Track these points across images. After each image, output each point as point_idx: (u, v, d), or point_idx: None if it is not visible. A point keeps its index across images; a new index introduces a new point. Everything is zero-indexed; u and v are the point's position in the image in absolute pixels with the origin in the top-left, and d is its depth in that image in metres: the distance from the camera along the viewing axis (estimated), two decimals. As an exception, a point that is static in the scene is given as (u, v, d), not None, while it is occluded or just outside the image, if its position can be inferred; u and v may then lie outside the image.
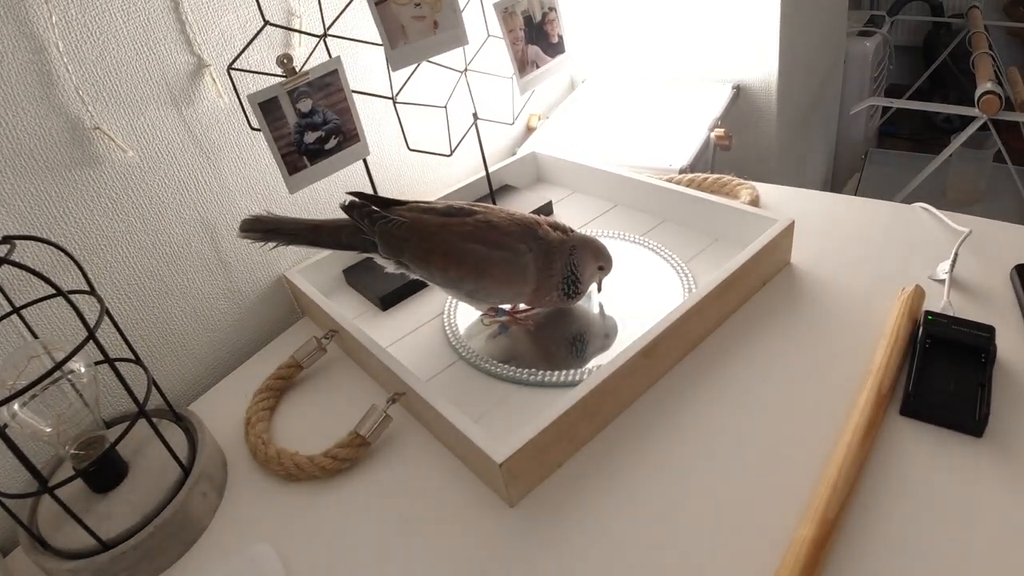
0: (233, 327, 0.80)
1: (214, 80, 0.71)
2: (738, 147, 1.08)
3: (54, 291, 0.50)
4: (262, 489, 0.63)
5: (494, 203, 0.91)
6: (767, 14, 1.01)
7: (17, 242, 0.54)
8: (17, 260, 0.49)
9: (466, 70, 0.82)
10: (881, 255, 0.74)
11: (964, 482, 0.51)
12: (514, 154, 1.00)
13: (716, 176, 0.87)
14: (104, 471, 0.62)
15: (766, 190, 0.87)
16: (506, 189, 0.95)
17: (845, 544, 0.48)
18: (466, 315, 0.77)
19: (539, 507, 0.56)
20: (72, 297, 0.52)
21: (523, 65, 0.83)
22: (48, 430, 0.60)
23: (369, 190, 0.79)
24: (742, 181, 0.86)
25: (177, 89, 0.70)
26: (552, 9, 0.83)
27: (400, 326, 0.77)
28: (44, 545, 0.59)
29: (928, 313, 0.63)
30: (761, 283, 0.72)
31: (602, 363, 0.60)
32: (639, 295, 0.75)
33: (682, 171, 0.91)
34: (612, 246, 0.82)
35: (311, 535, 0.58)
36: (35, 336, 0.64)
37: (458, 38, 0.76)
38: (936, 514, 0.49)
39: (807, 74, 1.24)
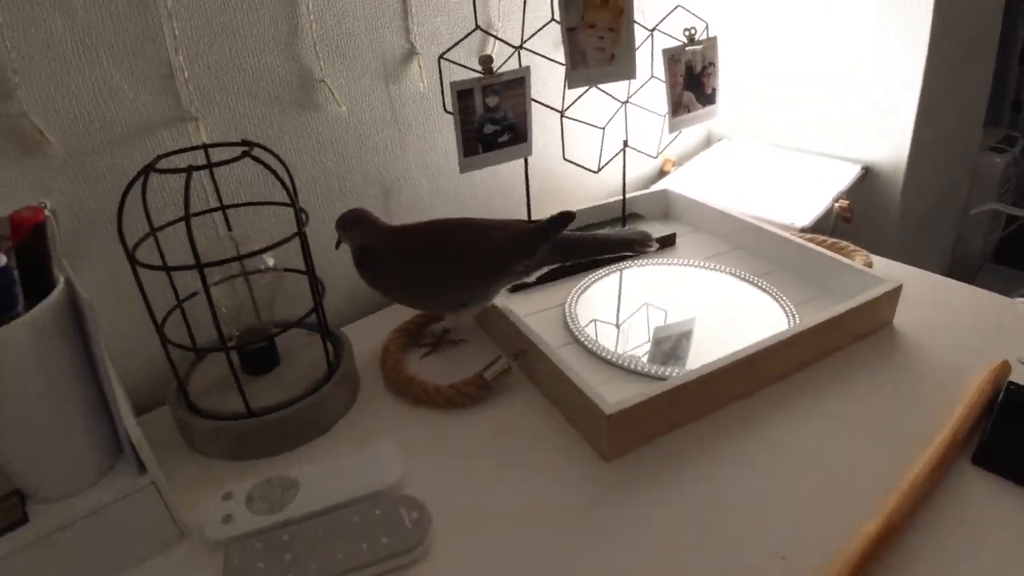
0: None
1: (420, 67, 0.85)
2: (856, 224, 1.13)
3: (257, 202, 0.63)
4: (389, 406, 0.73)
5: (624, 225, 1.00)
6: (906, 102, 1.07)
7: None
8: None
9: (627, 101, 0.92)
10: (979, 337, 0.77)
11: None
12: (647, 188, 1.09)
13: (833, 240, 0.93)
14: (262, 356, 0.73)
15: (880, 260, 0.92)
16: (635, 217, 1.04)
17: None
18: (586, 306, 0.85)
19: (631, 468, 0.62)
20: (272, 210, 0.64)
21: (676, 107, 0.93)
22: (224, 310, 0.71)
23: (522, 183, 0.89)
24: (858, 248, 0.92)
25: (390, 67, 0.83)
26: (712, 64, 0.94)
27: (524, 307, 0.86)
28: (193, 408, 0.68)
29: (1011, 383, 0.67)
30: (861, 334, 0.77)
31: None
32: (746, 322, 0.81)
33: (802, 230, 0.98)
34: (727, 282, 0.89)
35: (427, 452, 0.66)
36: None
37: (629, 72, 0.87)
38: (995, 563, 0.52)
39: (934, 172, 1.29)
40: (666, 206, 1.08)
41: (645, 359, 0.76)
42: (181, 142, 0.72)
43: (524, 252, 0.72)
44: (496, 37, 0.84)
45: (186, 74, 0.70)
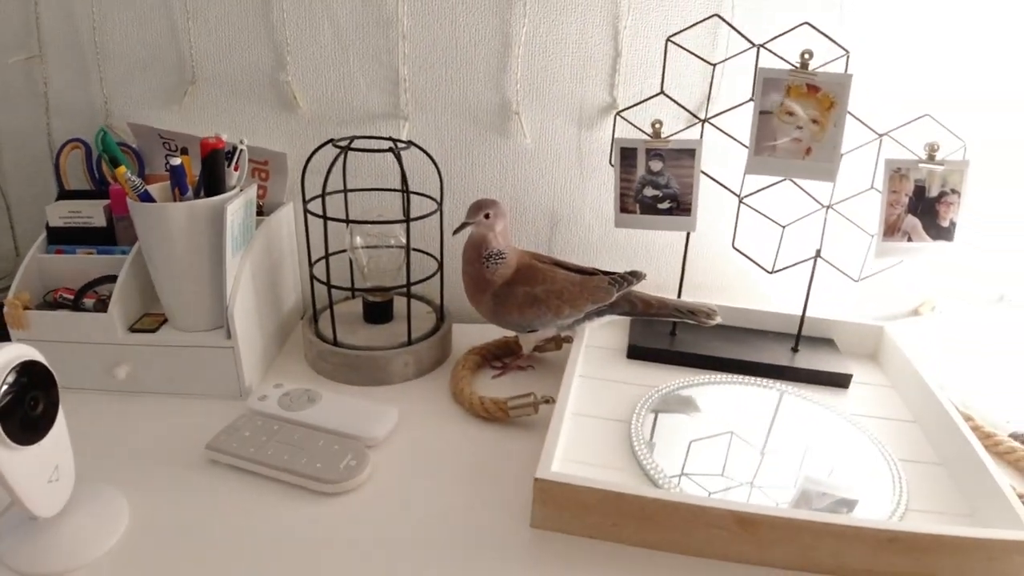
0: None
1: (614, 121, 0.89)
2: None
3: (407, 190, 0.78)
4: (434, 387, 0.83)
5: (796, 347, 0.87)
6: None
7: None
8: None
9: (829, 206, 0.81)
10: None
11: None
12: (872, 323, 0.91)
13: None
14: (378, 309, 0.89)
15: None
16: (824, 343, 0.89)
17: None
18: (702, 403, 0.79)
19: (550, 546, 0.60)
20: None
21: (891, 230, 0.78)
22: (364, 269, 0.88)
23: (679, 261, 0.86)
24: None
25: (587, 115, 0.90)
26: (955, 192, 0.75)
27: (634, 375, 0.84)
28: (318, 334, 0.86)
29: None
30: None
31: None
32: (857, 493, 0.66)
33: (1013, 435, 0.72)
34: (870, 451, 0.72)
35: (423, 432, 0.74)
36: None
37: (825, 173, 0.77)
38: None
39: None
40: (876, 347, 0.89)
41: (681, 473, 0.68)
42: (392, 134, 0.91)
43: (593, 299, 0.81)
44: (680, 105, 0.83)
45: (407, 84, 0.88)
